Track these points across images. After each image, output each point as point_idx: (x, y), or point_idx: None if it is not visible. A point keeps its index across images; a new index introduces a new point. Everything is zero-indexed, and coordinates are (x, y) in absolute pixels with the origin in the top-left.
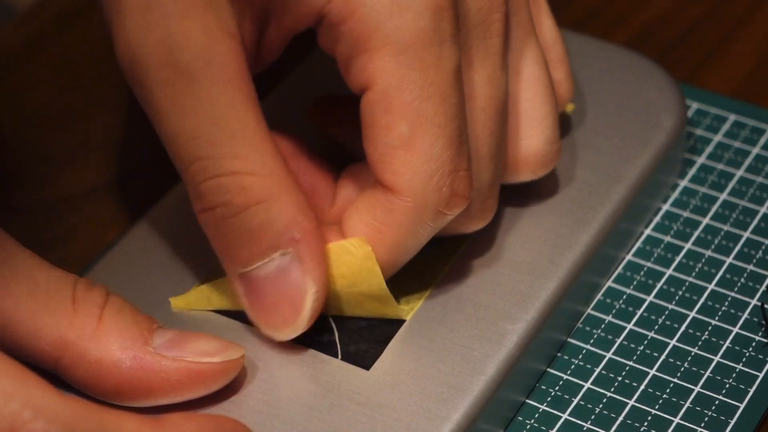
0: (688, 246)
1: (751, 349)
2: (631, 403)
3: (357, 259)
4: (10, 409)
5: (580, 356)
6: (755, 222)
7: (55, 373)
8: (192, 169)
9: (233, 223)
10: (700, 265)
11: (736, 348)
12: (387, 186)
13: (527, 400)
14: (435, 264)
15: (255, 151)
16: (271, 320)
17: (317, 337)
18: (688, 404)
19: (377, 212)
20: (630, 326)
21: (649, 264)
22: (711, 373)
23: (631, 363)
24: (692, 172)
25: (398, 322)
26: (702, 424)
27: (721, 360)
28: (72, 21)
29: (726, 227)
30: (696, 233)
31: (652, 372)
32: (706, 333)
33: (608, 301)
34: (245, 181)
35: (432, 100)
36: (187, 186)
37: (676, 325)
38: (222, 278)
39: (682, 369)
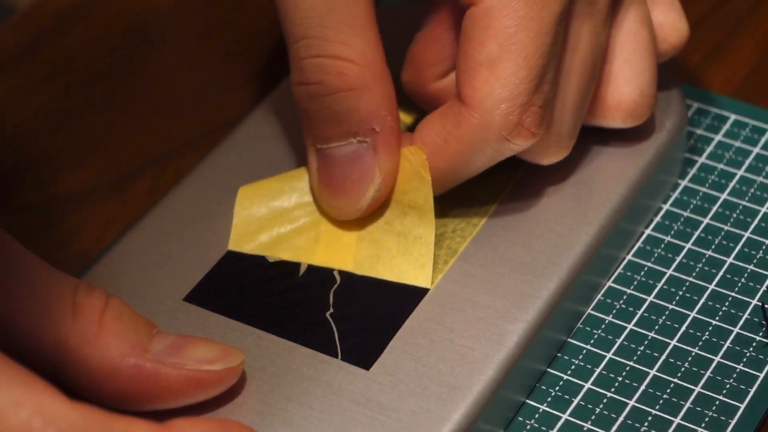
0: (688, 246)
1: (751, 349)
2: (632, 403)
3: (412, 166)
4: (20, 418)
5: (581, 356)
6: (756, 222)
7: (56, 377)
8: (299, 44)
9: (324, 102)
10: (700, 265)
11: (737, 348)
12: (463, 99)
13: (527, 401)
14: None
15: (360, 41)
16: (334, 198)
17: (317, 337)
18: (688, 404)
19: (447, 122)
20: (630, 326)
21: (649, 264)
22: (711, 373)
23: (631, 363)
24: (693, 171)
25: (398, 322)
26: (702, 425)
27: (721, 360)
28: (72, 21)
29: (726, 227)
30: (696, 233)
31: (653, 372)
32: (707, 333)
33: (608, 301)
34: (344, 67)
35: (527, 33)
36: (290, 60)
37: (676, 325)
38: (289, 173)
39: (683, 369)
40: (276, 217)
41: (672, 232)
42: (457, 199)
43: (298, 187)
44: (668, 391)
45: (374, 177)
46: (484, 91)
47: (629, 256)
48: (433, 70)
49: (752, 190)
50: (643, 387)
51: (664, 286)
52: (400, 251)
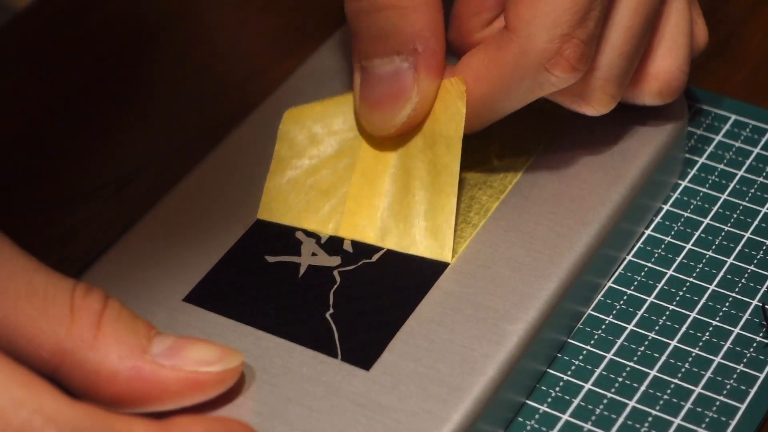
0: (688, 246)
1: (751, 349)
2: (632, 404)
3: (450, 96)
4: (20, 417)
5: (581, 357)
6: (756, 222)
7: (54, 379)
8: None
9: (371, 18)
10: (700, 265)
11: (737, 349)
12: (508, 23)
13: (527, 401)
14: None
15: None
16: (372, 112)
17: (317, 337)
18: (688, 405)
19: (490, 48)
20: (630, 327)
21: (649, 264)
22: (712, 373)
23: (631, 364)
24: (693, 172)
25: (398, 322)
26: (703, 425)
27: (721, 361)
28: (71, 21)
29: (727, 227)
30: (697, 233)
31: (653, 373)
32: (707, 334)
33: (609, 301)
34: None
35: None
36: None
37: (676, 326)
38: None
39: (683, 370)
40: (312, 153)
41: (672, 233)
42: (457, 199)
43: (341, 112)
44: (668, 391)
45: (412, 95)
46: (528, 16)
47: (629, 257)
48: (478, 19)
49: (752, 191)
50: (643, 387)
51: (665, 287)
52: (428, 182)
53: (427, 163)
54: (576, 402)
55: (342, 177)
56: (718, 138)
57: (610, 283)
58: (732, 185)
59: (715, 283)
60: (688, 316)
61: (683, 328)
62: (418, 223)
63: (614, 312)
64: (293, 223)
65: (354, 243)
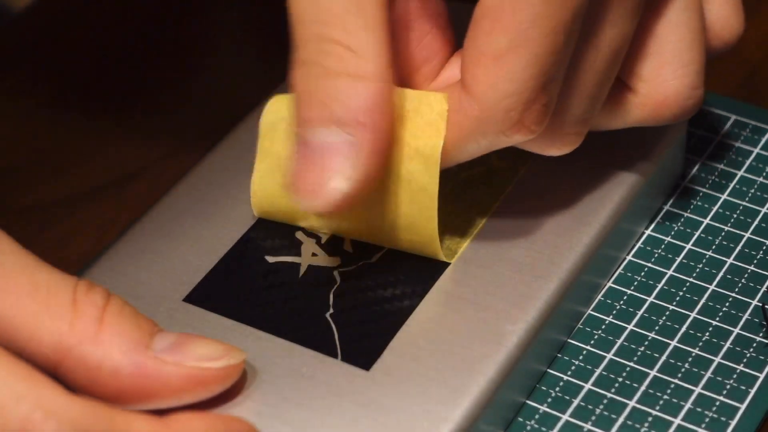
0: (688, 246)
1: (751, 349)
2: (632, 404)
3: (432, 113)
4: (21, 411)
5: (581, 357)
6: (756, 222)
7: (55, 375)
8: (304, 26)
9: (319, 83)
10: (700, 265)
11: (737, 349)
12: (465, 87)
13: (527, 401)
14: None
15: (366, 33)
16: (301, 185)
17: (317, 337)
18: (688, 405)
19: (449, 105)
20: (630, 327)
21: (649, 264)
22: (712, 373)
23: (631, 364)
24: (693, 172)
25: (398, 322)
26: (703, 425)
27: (721, 361)
28: (71, 21)
29: (727, 227)
30: (696, 233)
31: (653, 373)
32: (707, 334)
33: (609, 301)
34: (345, 54)
35: (541, 31)
36: (294, 40)
37: (676, 326)
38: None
39: (683, 370)
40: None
41: (672, 233)
42: (457, 199)
43: None
44: (668, 391)
45: (349, 172)
46: (487, 84)
47: (629, 257)
48: (429, 67)
49: (752, 191)
50: (643, 387)
51: (665, 287)
52: (406, 199)
53: (402, 180)
54: (576, 402)
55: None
56: (718, 138)
57: (610, 283)
58: (732, 185)
59: (715, 283)
60: (688, 316)
61: (683, 328)
62: (404, 235)
63: (614, 312)
64: (288, 221)
65: (354, 243)
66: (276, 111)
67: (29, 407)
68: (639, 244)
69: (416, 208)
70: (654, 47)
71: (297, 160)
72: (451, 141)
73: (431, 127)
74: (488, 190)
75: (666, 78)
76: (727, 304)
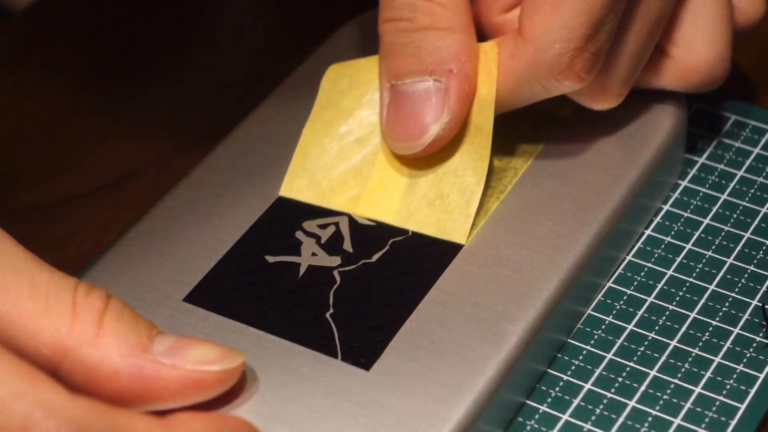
0: (688, 246)
1: (751, 349)
2: (632, 404)
3: (486, 59)
4: (21, 409)
5: (581, 357)
6: (756, 222)
7: (55, 376)
8: None
9: (410, 37)
10: (700, 265)
11: (737, 349)
12: (522, 31)
13: (527, 401)
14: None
15: None
16: (399, 132)
17: (317, 337)
18: (688, 405)
19: (504, 49)
20: (630, 327)
21: (649, 264)
22: (712, 373)
23: (631, 364)
24: (693, 172)
25: (398, 322)
26: (703, 425)
27: (721, 361)
28: (71, 21)
29: (727, 227)
30: (696, 234)
31: (653, 373)
32: (707, 334)
33: (608, 301)
34: (434, 8)
35: None
36: (381, 1)
37: (676, 326)
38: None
39: (683, 370)
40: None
41: (672, 233)
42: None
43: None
44: (668, 391)
45: (441, 116)
46: (542, 28)
47: (629, 257)
48: (499, 3)
49: (752, 191)
50: (643, 388)
51: (664, 287)
52: (461, 139)
53: (454, 145)
54: (576, 402)
55: (369, 153)
56: (718, 138)
57: (610, 284)
58: (732, 185)
59: (715, 283)
60: (688, 316)
61: (683, 328)
62: (438, 204)
63: (614, 312)
64: (313, 200)
65: (354, 243)
66: (337, 70)
67: (30, 405)
68: (639, 244)
69: (471, 148)
70: (689, 18)
71: (390, 109)
72: (506, 85)
73: (485, 72)
74: (488, 190)
75: (698, 46)
76: (727, 304)
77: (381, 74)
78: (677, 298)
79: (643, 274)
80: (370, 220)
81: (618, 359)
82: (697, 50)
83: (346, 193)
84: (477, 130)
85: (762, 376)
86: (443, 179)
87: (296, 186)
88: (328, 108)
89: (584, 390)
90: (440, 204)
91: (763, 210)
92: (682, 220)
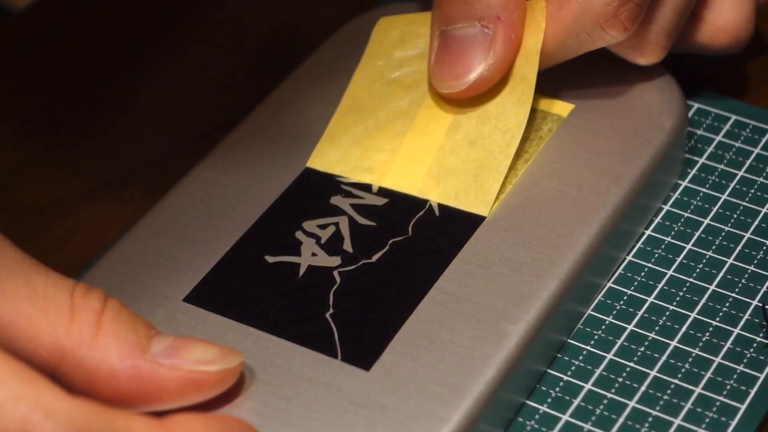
0: (688, 247)
1: (752, 350)
2: (632, 404)
3: (533, 13)
4: (20, 412)
5: (581, 357)
6: (756, 222)
7: (54, 378)
8: None
9: None
10: (700, 265)
11: (737, 349)
12: None
13: (527, 401)
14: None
15: None
16: (445, 71)
17: (317, 337)
18: (689, 405)
19: (551, 4)
20: (630, 327)
21: (649, 265)
22: (712, 374)
23: (631, 364)
24: (693, 172)
25: (398, 322)
26: (703, 426)
27: (722, 361)
28: (71, 21)
29: (727, 228)
30: (697, 234)
31: (653, 373)
32: (707, 334)
33: (609, 301)
34: None
35: None
36: None
37: (676, 326)
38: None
39: (683, 370)
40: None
41: (672, 233)
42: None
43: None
44: (668, 392)
45: (487, 58)
46: None
47: (629, 257)
48: None
49: (753, 191)
50: (643, 388)
51: (665, 287)
52: (504, 86)
53: (498, 93)
54: (576, 402)
55: (382, 166)
56: (718, 138)
57: (610, 284)
58: (732, 185)
59: (715, 283)
60: (688, 316)
61: (683, 329)
62: (464, 177)
63: (614, 312)
64: (341, 171)
65: (354, 243)
66: (388, 23)
67: (28, 408)
68: (639, 245)
69: (514, 96)
70: None
71: (438, 52)
72: (554, 36)
73: (533, 25)
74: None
75: (727, 9)
76: (727, 304)
77: (432, 22)
78: (677, 299)
79: (643, 274)
80: (369, 221)
81: (618, 359)
82: (726, 12)
83: (374, 164)
84: (521, 79)
85: (762, 376)
86: (486, 122)
87: (325, 156)
88: (380, 56)
89: (584, 390)
90: (481, 143)
91: (764, 210)
92: (683, 220)
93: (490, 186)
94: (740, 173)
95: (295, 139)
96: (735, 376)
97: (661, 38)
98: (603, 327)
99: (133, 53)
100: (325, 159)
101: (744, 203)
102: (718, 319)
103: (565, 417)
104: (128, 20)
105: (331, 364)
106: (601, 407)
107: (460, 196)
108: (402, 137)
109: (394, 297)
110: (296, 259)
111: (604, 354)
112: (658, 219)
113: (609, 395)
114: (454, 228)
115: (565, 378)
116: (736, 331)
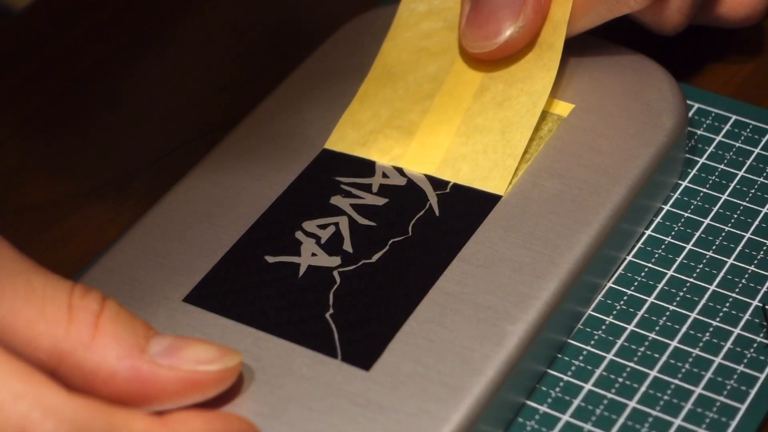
0: (689, 247)
1: (752, 350)
2: (632, 404)
3: None
4: (20, 410)
5: (581, 357)
6: (756, 222)
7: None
8: None
9: None
10: (701, 266)
11: (738, 349)
12: None
13: (528, 402)
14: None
15: None
16: (476, 32)
17: (317, 337)
18: (689, 406)
19: None
20: (631, 327)
21: (649, 265)
22: (712, 374)
23: (631, 364)
24: (693, 172)
25: (398, 322)
26: (703, 426)
27: (722, 361)
28: (71, 20)
29: (727, 228)
30: (697, 234)
31: (653, 373)
32: (707, 334)
33: (609, 302)
34: None
35: None
36: None
37: (677, 326)
38: None
39: (683, 370)
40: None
41: (672, 233)
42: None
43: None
44: (669, 392)
45: (518, 19)
46: None
47: (630, 257)
48: None
49: (753, 191)
50: (643, 388)
51: (665, 287)
52: (530, 52)
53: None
54: (576, 402)
55: (399, 145)
56: (719, 138)
57: (610, 284)
58: (732, 185)
59: (715, 283)
60: (689, 316)
61: (683, 329)
62: (492, 135)
63: (614, 312)
64: (358, 152)
65: (354, 243)
66: None
67: (28, 406)
68: (639, 245)
69: (541, 62)
70: None
71: (469, 14)
72: (580, 3)
73: None
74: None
75: None
76: (727, 304)
77: None
78: (677, 299)
79: (643, 274)
80: (369, 221)
81: (618, 360)
82: None
83: (391, 144)
84: (548, 47)
85: (762, 376)
86: (512, 85)
87: (343, 136)
88: (407, 28)
89: (584, 390)
90: (508, 104)
91: (764, 210)
92: (683, 220)
93: (517, 142)
94: (740, 173)
95: (295, 139)
96: (735, 377)
97: (685, 6)
98: (603, 327)
99: (133, 53)
100: (347, 135)
101: (744, 203)
102: (718, 319)
103: (565, 417)
104: (128, 20)
105: (331, 364)
106: (601, 407)
107: (488, 152)
108: (431, 99)
109: (394, 297)
110: (296, 259)
111: (604, 354)
112: (658, 219)
113: (609, 395)
114: (454, 228)
115: (565, 378)
116: (737, 331)
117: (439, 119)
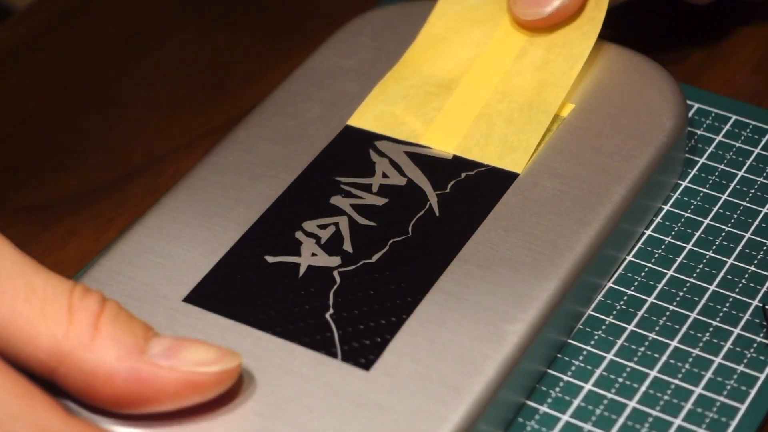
0: (689, 247)
1: (752, 350)
2: (632, 404)
3: None
4: (16, 430)
5: (581, 357)
6: (756, 222)
7: (53, 380)
8: None
9: None
10: (701, 266)
11: (738, 349)
12: None
13: (527, 402)
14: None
15: None
16: (527, 0)
17: (317, 337)
18: (689, 406)
19: None
20: (631, 327)
21: (649, 265)
22: (712, 374)
23: (631, 364)
24: (693, 172)
25: (398, 322)
26: (703, 426)
27: (722, 361)
28: (71, 20)
29: (727, 228)
30: (697, 234)
31: (653, 373)
32: (707, 334)
33: (609, 302)
34: None
35: None
36: None
37: (677, 326)
38: None
39: (683, 370)
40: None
41: (672, 233)
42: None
43: None
44: (669, 392)
45: None
46: None
47: (630, 257)
48: None
49: (753, 191)
50: (643, 388)
51: (665, 287)
52: (570, 22)
53: (565, 29)
54: (576, 402)
55: (472, 50)
56: (719, 138)
57: (610, 284)
58: (732, 185)
59: (715, 283)
60: (689, 316)
61: (683, 329)
62: (527, 93)
63: (614, 312)
64: (379, 129)
65: (354, 243)
66: None
67: (24, 427)
68: (639, 245)
69: (580, 32)
70: None
71: None
72: None
73: None
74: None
75: None
76: (727, 304)
77: None
78: (678, 299)
79: (643, 274)
80: (369, 221)
81: (618, 360)
82: None
83: (415, 120)
84: (589, 20)
85: (762, 376)
86: (551, 51)
87: (368, 113)
88: (455, 2)
89: (584, 390)
90: (545, 67)
91: (764, 210)
92: (683, 220)
93: (552, 101)
94: (740, 173)
95: (295, 139)
96: (735, 377)
97: None
98: (603, 327)
99: (133, 53)
100: (375, 108)
101: (744, 203)
102: (718, 319)
103: (565, 417)
104: (128, 20)
105: (331, 364)
106: (601, 407)
107: (514, 121)
108: (472, 61)
109: (394, 297)
110: (296, 259)
111: (604, 354)
112: (658, 219)
113: (609, 395)
114: (454, 228)
115: (565, 378)
116: (737, 331)
117: (479, 78)
